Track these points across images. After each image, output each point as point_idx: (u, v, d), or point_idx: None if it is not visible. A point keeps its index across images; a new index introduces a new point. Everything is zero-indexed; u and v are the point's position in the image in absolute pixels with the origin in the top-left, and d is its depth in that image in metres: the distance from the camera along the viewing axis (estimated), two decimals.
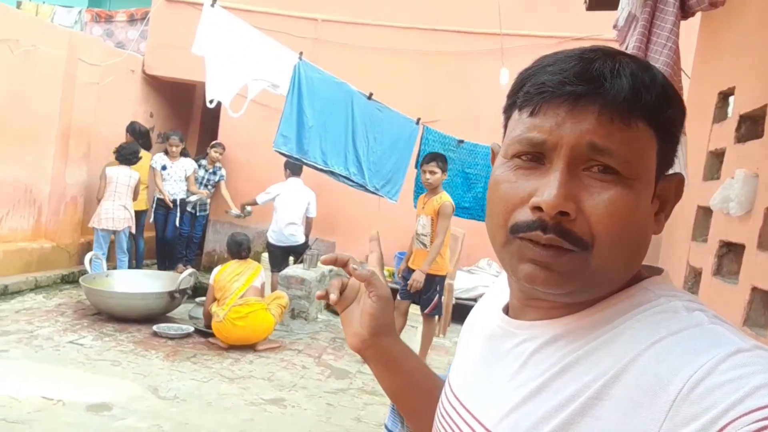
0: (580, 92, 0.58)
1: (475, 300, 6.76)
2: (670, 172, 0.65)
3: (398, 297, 4.88)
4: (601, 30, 3.68)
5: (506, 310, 0.73)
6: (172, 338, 5.04)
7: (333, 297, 0.84)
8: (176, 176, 7.08)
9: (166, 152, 7.09)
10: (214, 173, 7.39)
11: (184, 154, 7.29)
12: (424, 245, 4.71)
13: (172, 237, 7.17)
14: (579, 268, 0.59)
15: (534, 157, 0.61)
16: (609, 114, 0.58)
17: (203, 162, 7.42)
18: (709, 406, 0.49)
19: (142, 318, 5.33)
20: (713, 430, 0.48)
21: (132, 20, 9.15)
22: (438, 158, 4.61)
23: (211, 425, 3.54)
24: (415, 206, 4.89)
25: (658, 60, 1.74)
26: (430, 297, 4.80)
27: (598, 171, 0.59)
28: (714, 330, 0.56)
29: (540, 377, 0.61)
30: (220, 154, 7.35)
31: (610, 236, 0.58)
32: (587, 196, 0.58)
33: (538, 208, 0.59)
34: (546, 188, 0.58)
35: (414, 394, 0.88)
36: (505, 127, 0.67)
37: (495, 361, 0.69)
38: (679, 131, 0.64)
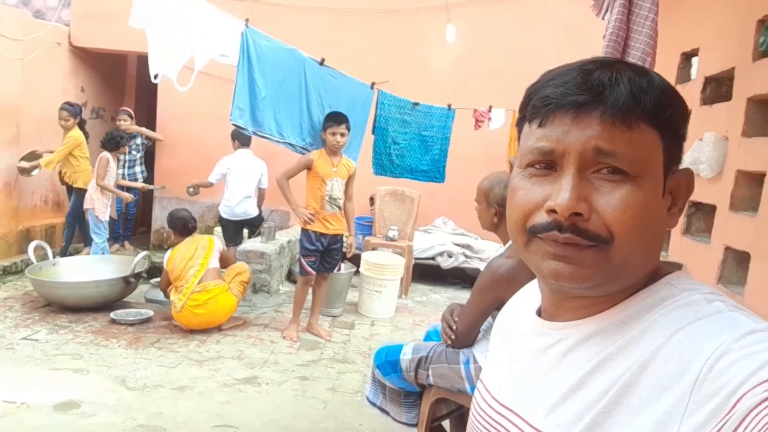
0: (582, 101, 0.64)
1: (432, 259, 6.85)
2: (680, 168, 0.70)
3: (312, 272, 4.74)
4: None
5: (539, 312, 0.77)
6: (131, 324, 4.88)
7: None
8: None
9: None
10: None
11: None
12: (340, 208, 4.67)
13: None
14: (601, 261, 0.64)
15: (546, 165, 0.67)
16: (610, 118, 0.63)
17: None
18: (725, 382, 0.54)
19: (97, 306, 5.12)
20: (730, 402, 0.53)
21: None
22: (346, 121, 4.49)
23: (187, 412, 3.46)
24: (331, 169, 4.58)
25: (642, 32, 1.73)
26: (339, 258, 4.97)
27: (607, 173, 0.63)
28: (731, 316, 0.61)
29: (578, 373, 0.66)
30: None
31: (627, 230, 0.63)
32: (599, 196, 0.63)
33: (552, 211, 0.64)
34: (559, 192, 0.64)
35: None
36: (519, 140, 0.72)
37: (532, 362, 0.74)
38: (683, 129, 0.68)
